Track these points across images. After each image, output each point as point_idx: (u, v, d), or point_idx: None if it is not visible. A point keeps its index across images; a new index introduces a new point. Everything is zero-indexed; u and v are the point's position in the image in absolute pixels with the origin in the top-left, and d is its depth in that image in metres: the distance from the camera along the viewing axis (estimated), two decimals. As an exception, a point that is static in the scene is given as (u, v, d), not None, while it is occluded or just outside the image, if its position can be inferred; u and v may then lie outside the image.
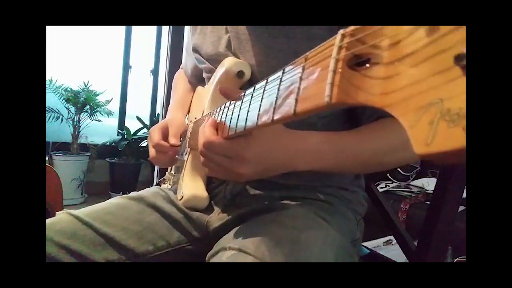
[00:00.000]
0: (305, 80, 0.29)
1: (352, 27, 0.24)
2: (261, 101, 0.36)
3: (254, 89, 0.40)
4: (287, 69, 0.33)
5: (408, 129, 0.19)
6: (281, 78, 0.33)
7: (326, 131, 0.55)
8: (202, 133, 0.51)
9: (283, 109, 0.31)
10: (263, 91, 0.37)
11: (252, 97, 0.40)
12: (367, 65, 0.23)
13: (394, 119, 0.20)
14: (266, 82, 0.37)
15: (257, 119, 0.36)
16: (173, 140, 0.70)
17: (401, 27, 0.21)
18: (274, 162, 0.51)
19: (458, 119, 0.16)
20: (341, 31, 0.25)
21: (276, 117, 0.32)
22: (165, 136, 0.72)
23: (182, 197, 0.66)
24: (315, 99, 0.26)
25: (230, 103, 0.48)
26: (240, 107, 0.42)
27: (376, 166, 0.61)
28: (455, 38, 0.17)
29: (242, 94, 0.44)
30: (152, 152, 0.73)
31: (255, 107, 0.38)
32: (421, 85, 0.19)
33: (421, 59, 0.19)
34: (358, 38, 0.23)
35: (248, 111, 0.40)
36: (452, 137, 0.17)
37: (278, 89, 0.33)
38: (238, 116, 0.42)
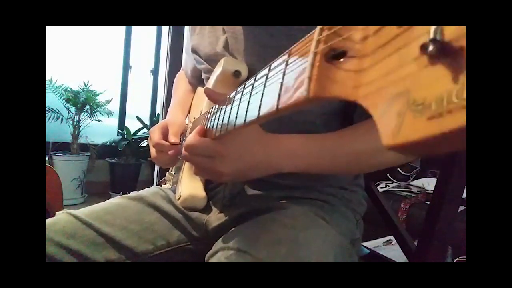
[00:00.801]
0: (287, 75, 0.29)
1: None
2: (249, 99, 0.37)
3: (244, 87, 0.40)
4: (273, 65, 0.33)
5: (377, 120, 0.19)
6: (267, 75, 0.33)
7: (308, 133, 0.56)
8: (188, 137, 0.52)
9: (267, 106, 0.31)
10: (252, 89, 0.37)
11: (242, 95, 0.40)
12: (342, 59, 0.23)
13: None
14: (255, 80, 0.37)
15: (245, 117, 0.37)
16: (173, 138, 0.70)
17: None
18: (253, 161, 0.52)
19: (423, 109, 0.16)
20: (319, 26, 0.25)
21: (261, 114, 0.32)
22: (165, 135, 0.72)
23: (180, 196, 0.66)
24: (295, 95, 0.26)
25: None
26: (232, 106, 0.43)
27: (359, 168, 0.62)
28: (422, 28, 0.18)
29: (227, 97, 0.45)
30: (153, 152, 0.73)
31: (244, 105, 0.38)
32: (391, 77, 0.19)
33: (391, 50, 0.19)
34: (335, 31, 0.24)
35: (238, 109, 0.40)
36: (417, 128, 0.17)
37: (264, 86, 0.33)
38: (230, 115, 0.43)
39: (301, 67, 0.26)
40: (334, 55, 0.24)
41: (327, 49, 0.24)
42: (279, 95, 0.29)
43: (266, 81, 0.33)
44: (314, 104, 0.25)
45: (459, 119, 0.15)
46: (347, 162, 0.58)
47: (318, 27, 0.25)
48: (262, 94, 0.33)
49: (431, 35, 0.16)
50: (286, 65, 0.29)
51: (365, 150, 0.56)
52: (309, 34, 0.27)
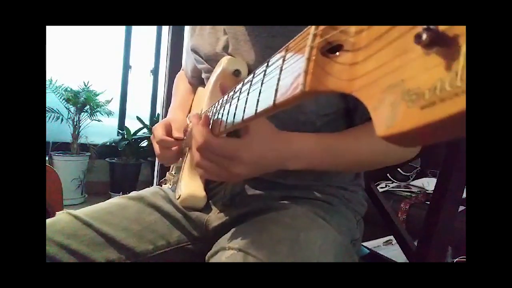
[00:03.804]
0: (284, 70, 0.29)
1: None
2: (247, 96, 0.37)
3: (242, 84, 0.40)
4: (271, 61, 0.33)
5: (372, 111, 0.19)
6: (265, 71, 0.33)
7: (317, 132, 0.56)
8: (198, 132, 0.51)
9: (264, 102, 0.31)
10: (250, 86, 0.37)
11: (240, 92, 0.40)
12: (338, 52, 0.23)
13: None
14: (253, 76, 0.37)
15: (243, 114, 0.37)
16: (176, 134, 0.70)
17: None
18: (267, 162, 0.52)
19: (417, 99, 0.16)
20: None
21: (258, 111, 0.32)
22: (168, 132, 0.72)
23: (180, 196, 0.66)
24: (291, 89, 0.26)
25: (222, 100, 0.48)
26: (230, 103, 0.43)
27: (366, 165, 0.63)
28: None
29: (233, 89, 0.45)
30: (156, 149, 0.72)
31: (242, 102, 0.38)
32: (385, 68, 0.19)
33: (385, 42, 0.19)
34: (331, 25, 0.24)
35: (236, 106, 0.40)
36: (410, 117, 0.17)
37: (262, 82, 0.33)
38: (228, 112, 0.43)
39: (298, 62, 0.26)
40: (330, 49, 0.24)
41: (323, 43, 0.24)
42: (276, 90, 0.29)
43: (264, 77, 0.33)
44: (312, 98, 0.25)
45: (451, 107, 0.15)
46: (354, 162, 0.59)
47: None
48: (260, 90, 0.33)
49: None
50: (283, 60, 0.29)
51: (371, 151, 0.57)
52: (306, 29, 0.27)
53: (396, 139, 0.18)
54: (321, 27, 0.24)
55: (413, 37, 0.17)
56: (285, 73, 0.28)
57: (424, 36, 0.16)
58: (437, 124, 0.16)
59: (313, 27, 0.25)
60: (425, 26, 0.16)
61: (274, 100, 0.29)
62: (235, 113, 0.40)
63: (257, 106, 0.33)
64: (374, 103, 0.19)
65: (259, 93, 0.33)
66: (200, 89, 0.84)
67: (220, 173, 0.51)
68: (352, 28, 0.22)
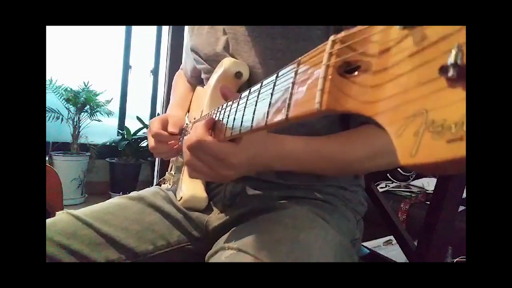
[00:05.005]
0: (297, 85, 0.29)
1: (342, 34, 0.24)
2: (256, 105, 0.36)
3: (249, 92, 0.40)
4: (280, 73, 0.33)
5: (394, 139, 0.19)
6: (274, 82, 0.33)
7: (305, 136, 0.56)
8: (195, 131, 0.50)
9: (276, 114, 0.31)
10: (258, 95, 0.37)
11: (247, 100, 0.40)
12: (356, 72, 0.23)
13: (377, 125, 0.20)
14: (261, 86, 0.37)
15: (252, 123, 0.36)
16: (171, 128, 0.70)
17: (389, 35, 0.21)
18: (255, 162, 0.52)
19: (442, 131, 0.16)
20: (331, 38, 0.25)
21: (269, 122, 0.32)
22: (164, 127, 0.72)
23: (182, 197, 0.66)
24: (306, 105, 0.26)
25: (226, 106, 0.48)
26: (236, 110, 0.42)
27: (355, 170, 0.64)
28: (441, 48, 0.17)
29: (239, 96, 0.44)
30: (151, 142, 0.73)
31: (249, 111, 0.38)
32: (408, 95, 0.19)
33: (408, 68, 0.19)
34: (348, 45, 0.23)
35: (243, 114, 0.40)
36: (436, 150, 0.17)
37: (272, 94, 0.33)
38: (234, 119, 0.42)
39: (312, 79, 0.26)
40: (347, 69, 0.23)
41: (340, 63, 0.23)
42: (289, 104, 0.29)
43: (273, 88, 0.33)
44: (326, 115, 0.25)
45: None
46: (341, 167, 0.59)
47: (330, 39, 0.25)
48: (270, 101, 0.33)
49: (452, 59, 0.16)
50: (296, 74, 0.29)
51: (360, 156, 0.57)
52: (320, 46, 0.26)
53: (419, 168, 0.18)
54: (337, 47, 0.24)
55: (438, 69, 0.17)
56: (298, 88, 0.28)
57: (451, 72, 0.16)
58: (464, 159, 0.16)
59: (328, 45, 0.25)
60: (452, 61, 0.16)
61: (287, 114, 0.29)
62: (242, 121, 0.39)
63: (267, 117, 0.33)
64: (397, 129, 0.19)
65: (269, 105, 0.33)
66: (199, 88, 0.84)
67: (208, 172, 0.51)
68: (372, 50, 0.22)
